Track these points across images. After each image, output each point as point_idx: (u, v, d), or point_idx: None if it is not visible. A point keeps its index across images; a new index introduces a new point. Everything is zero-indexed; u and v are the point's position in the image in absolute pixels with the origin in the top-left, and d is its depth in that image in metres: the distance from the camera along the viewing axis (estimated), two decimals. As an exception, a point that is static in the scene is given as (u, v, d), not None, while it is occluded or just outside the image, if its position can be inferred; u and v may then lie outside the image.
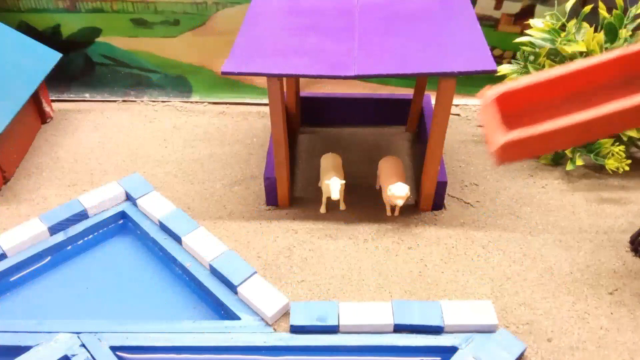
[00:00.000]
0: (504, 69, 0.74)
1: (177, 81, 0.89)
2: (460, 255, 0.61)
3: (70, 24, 0.85)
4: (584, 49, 0.65)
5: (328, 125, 0.81)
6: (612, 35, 0.65)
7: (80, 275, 0.60)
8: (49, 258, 0.62)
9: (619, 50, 0.31)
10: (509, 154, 0.35)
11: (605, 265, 0.60)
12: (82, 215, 0.64)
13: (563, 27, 0.69)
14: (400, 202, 0.60)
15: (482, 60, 0.54)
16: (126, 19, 0.84)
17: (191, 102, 0.89)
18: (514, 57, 0.78)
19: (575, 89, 0.33)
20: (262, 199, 0.69)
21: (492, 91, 0.34)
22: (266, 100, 0.61)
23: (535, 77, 0.32)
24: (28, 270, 0.60)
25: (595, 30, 0.67)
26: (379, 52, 0.56)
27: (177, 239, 0.61)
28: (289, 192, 0.67)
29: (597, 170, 0.72)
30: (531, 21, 0.72)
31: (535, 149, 0.35)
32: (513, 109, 0.34)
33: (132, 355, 0.52)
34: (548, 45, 0.68)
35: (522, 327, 0.54)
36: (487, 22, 0.80)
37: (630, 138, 0.69)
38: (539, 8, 0.78)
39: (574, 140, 0.34)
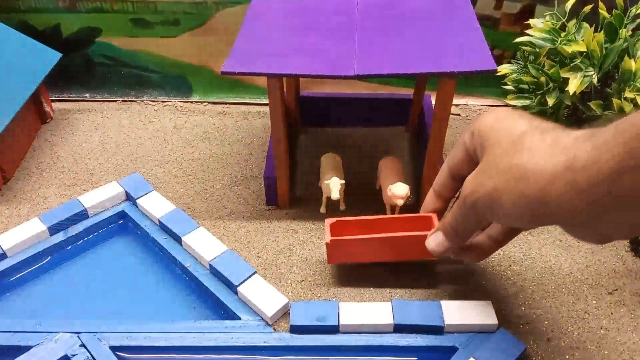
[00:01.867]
0: (503, 68, 0.74)
1: (177, 81, 0.89)
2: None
3: (70, 24, 0.85)
4: (584, 49, 0.65)
5: (328, 125, 0.81)
6: (612, 35, 0.65)
7: (80, 275, 0.60)
8: (48, 258, 0.62)
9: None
10: (334, 252, 0.56)
11: (605, 265, 0.60)
12: (82, 215, 0.64)
13: (563, 27, 0.69)
14: (400, 202, 0.60)
15: (482, 60, 0.54)
16: (126, 19, 0.84)
17: (191, 102, 0.89)
18: (514, 57, 0.78)
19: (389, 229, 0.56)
20: (262, 199, 0.69)
21: (329, 220, 0.57)
22: (266, 100, 0.61)
23: (360, 218, 0.58)
24: (28, 270, 0.60)
25: (596, 30, 0.67)
26: (379, 52, 0.56)
27: (177, 239, 0.61)
28: (289, 192, 0.67)
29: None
30: (531, 21, 0.72)
31: (355, 253, 0.56)
32: (342, 232, 0.56)
33: (132, 355, 0.52)
34: (548, 45, 0.68)
35: (522, 327, 0.54)
36: (487, 22, 0.80)
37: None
38: (539, 8, 0.78)
39: (385, 254, 0.56)
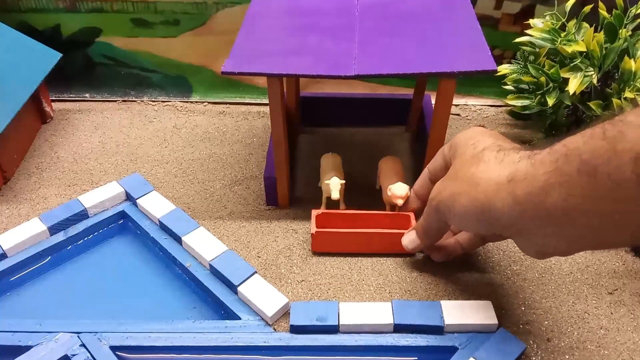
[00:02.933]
0: (503, 68, 0.74)
1: (177, 81, 0.89)
2: (460, 255, 0.61)
3: (71, 24, 0.85)
4: (584, 49, 0.65)
5: (328, 125, 0.81)
6: (612, 35, 0.65)
7: (81, 275, 0.60)
8: (49, 258, 0.62)
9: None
10: (318, 242, 0.60)
11: (605, 265, 0.60)
12: (82, 215, 0.64)
13: (563, 27, 0.69)
14: (399, 202, 0.60)
15: (482, 60, 0.54)
16: (126, 19, 0.84)
17: (191, 102, 0.89)
18: (514, 57, 0.78)
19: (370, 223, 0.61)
20: (262, 199, 0.69)
21: (315, 211, 0.62)
22: (266, 100, 0.61)
23: (345, 211, 0.63)
24: (28, 270, 0.60)
25: (595, 30, 0.67)
26: (379, 52, 0.56)
27: (177, 239, 0.61)
28: (289, 192, 0.67)
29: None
30: (531, 21, 0.72)
31: (338, 244, 0.60)
32: (328, 224, 0.61)
33: (132, 355, 0.52)
34: (548, 45, 0.68)
35: (522, 327, 0.54)
36: (487, 22, 0.80)
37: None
38: (539, 8, 0.78)
39: (364, 247, 0.60)
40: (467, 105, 0.86)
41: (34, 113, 0.81)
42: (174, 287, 0.59)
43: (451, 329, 0.52)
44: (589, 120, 0.69)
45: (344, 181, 0.63)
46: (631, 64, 0.63)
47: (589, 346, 0.52)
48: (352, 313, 0.53)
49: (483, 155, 0.45)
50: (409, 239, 0.57)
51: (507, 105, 0.78)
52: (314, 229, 0.59)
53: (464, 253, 0.59)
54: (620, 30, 0.65)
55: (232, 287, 0.56)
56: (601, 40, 0.64)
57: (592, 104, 0.66)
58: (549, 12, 0.71)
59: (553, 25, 0.69)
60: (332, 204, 0.64)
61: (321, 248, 0.61)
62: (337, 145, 0.76)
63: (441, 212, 0.49)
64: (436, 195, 0.50)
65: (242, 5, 0.81)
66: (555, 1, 0.73)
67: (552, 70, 0.68)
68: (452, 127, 0.81)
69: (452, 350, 0.51)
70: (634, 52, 0.65)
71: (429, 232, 0.55)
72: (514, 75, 0.73)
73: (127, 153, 0.77)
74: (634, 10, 0.66)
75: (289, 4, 0.66)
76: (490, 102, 0.87)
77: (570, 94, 0.64)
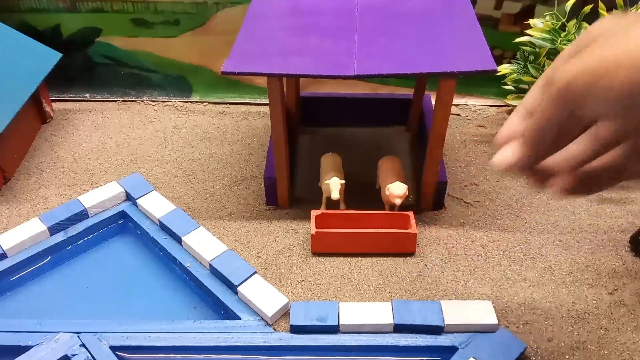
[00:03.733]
0: (504, 68, 0.74)
1: (177, 81, 0.89)
2: (460, 255, 0.61)
3: (71, 24, 0.85)
4: (584, 49, 0.65)
5: (328, 125, 0.81)
6: (612, 35, 0.65)
7: (80, 275, 0.60)
8: (49, 258, 0.62)
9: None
10: (318, 243, 0.60)
11: (605, 265, 0.60)
12: (82, 215, 0.64)
13: (563, 27, 0.70)
14: (398, 202, 0.60)
15: (482, 60, 0.54)
16: (126, 19, 0.84)
17: (191, 102, 0.89)
18: (514, 57, 0.78)
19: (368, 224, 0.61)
20: (262, 199, 0.69)
21: (315, 212, 0.62)
22: (266, 100, 0.61)
23: (344, 212, 0.63)
24: (28, 270, 0.60)
25: (595, 30, 0.67)
26: (379, 52, 0.56)
27: (177, 239, 0.61)
28: (289, 192, 0.67)
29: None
30: (531, 21, 0.72)
31: (337, 244, 0.60)
32: (327, 224, 0.61)
33: (132, 355, 0.52)
34: (548, 45, 0.68)
35: (522, 327, 0.54)
36: (487, 22, 0.80)
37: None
38: (539, 8, 0.78)
39: (363, 246, 0.60)
40: (467, 105, 0.86)
41: (34, 113, 0.81)
42: (174, 287, 0.59)
43: (451, 329, 0.52)
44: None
45: (344, 181, 0.63)
46: (631, 64, 0.63)
47: (589, 346, 0.52)
48: (352, 313, 0.53)
49: None
50: (508, 151, 0.34)
51: (507, 105, 0.78)
52: (313, 230, 0.59)
53: (594, 190, 0.35)
54: (620, 30, 0.65)
55: (232, 287, 0.56)
56: (601, 40, 0.64)
57: (592, 104, 0.66)
58: (549, 12, 0.71)
59: (553, 25, 0.69)
60: (332, 204, 0.64)
61: (321, 248, 0.61)
62: (337, 145, 0.76)
63: (573, 94, 0.30)
64: (562, 72, 0.30)
65: (242, 5, 0.81)
66: (555, 1, 0.73)
67: (552, 70, 0.67)
68: (452, 127, 0.81)
69: (452, 350, 0.51)
70: (634, 52, 0.65)
71: (546, 132, 0.33)
72: (514, 75, 0.73)
73: (127, 153, 0.77)
74: (633, 10, 0.66)
75: (289, 4, 0.66)
76: (490, 102, 0.87)
77: (570, 94, 0.64)
